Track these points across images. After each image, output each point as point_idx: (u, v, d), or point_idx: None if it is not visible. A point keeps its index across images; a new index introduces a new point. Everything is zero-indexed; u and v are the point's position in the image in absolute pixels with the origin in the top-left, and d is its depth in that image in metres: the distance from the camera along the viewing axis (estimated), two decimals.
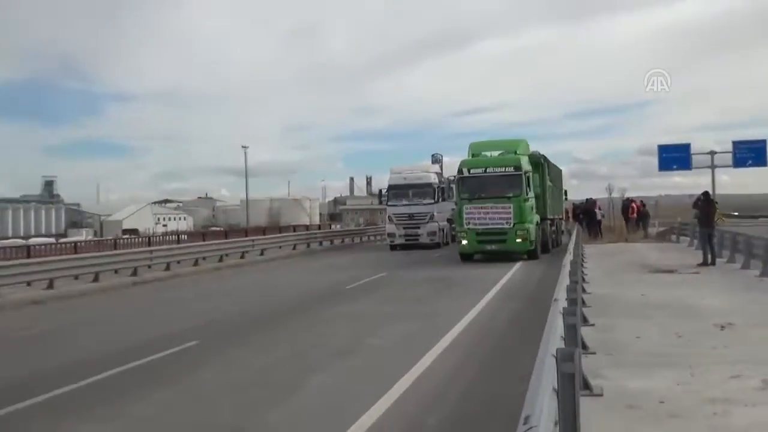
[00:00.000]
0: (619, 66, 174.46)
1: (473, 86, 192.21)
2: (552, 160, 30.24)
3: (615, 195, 43.12)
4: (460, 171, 24.53)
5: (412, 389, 7.66)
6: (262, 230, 40.11)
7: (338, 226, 67.48)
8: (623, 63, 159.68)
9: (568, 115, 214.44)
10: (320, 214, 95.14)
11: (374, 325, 11.66)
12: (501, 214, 23.50)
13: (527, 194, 23.75)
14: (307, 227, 50.78)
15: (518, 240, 23.51)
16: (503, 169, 23.84)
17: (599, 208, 36.81)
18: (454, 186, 26.23)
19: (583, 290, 12.88)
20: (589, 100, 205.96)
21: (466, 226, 23.86)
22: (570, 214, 38.24)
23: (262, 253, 30.48)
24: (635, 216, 35.43)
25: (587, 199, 37.98)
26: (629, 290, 14.06)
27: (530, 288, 16.34)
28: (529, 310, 12.67)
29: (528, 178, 24.00)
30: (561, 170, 34.82)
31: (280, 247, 33.41)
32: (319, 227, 54.19)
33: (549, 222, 27.55)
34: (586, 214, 35.84)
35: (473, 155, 25.69)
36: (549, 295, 10.18)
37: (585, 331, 8.97)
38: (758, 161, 33.71)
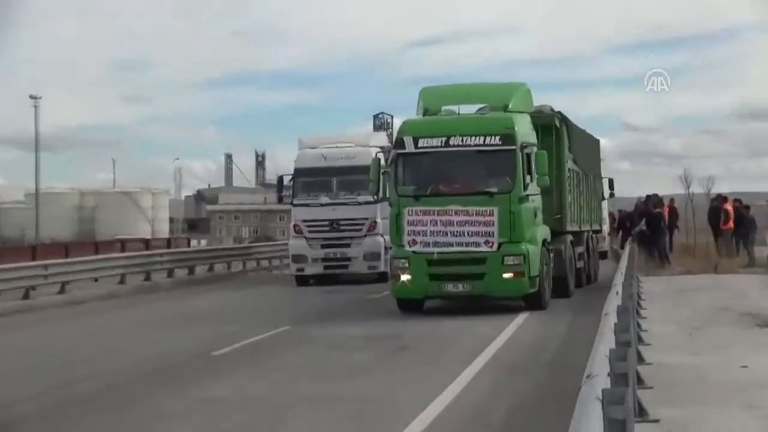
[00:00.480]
0: None
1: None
2: (580, 125, 30.58)
3: (697, 190, 43.76)
4: (398, 143, 23.79)
5: None
6: (64, 248, 39.51)
7: (203, 242, 67.07)
8: None
9: (613, 49, 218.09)
10: (171, 220, 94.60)
11: (261, 427, 11.49)
12: (475, 227, 22.51)
13: (526, 188, 23.04)
14: (147, 243, 50.36)
15: (507, 275, 22.66)
16: (481, 140, 22.94)
17: (673, 213, 37.31)
18: (388, 171, 24.50)
19: (640, 359, 12.96)
20: (650, 26, 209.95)
21: (408, 247, 23.01)
22: (616, 223, 38.67)
23: (62, 290, 30.33)
24: (731, 227, 35.86)
25: (647, 197, 38.32)
26: (720, 359, 14.21)
27: (547, 355, 16.37)
28: (547, 399, 12.73)
29: (529, 156, 23.22)
30: (598, 142, 35.87)
31: (97, 279, 33.05)
32: (169, 244, 53.74)
33: (572, 239, 27.39)
34: (644, 223, 36.09)
35: (426, 112, 24.90)
36: (580, 369, 10.20)
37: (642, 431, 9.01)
38: None
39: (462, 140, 23.04)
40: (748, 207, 36.87)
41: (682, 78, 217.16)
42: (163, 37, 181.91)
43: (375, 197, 29.21)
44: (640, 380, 11.35)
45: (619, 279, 18.80)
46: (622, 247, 36.45)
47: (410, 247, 22.92)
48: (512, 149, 22.77)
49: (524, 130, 23.67)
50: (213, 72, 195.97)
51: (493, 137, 22.85)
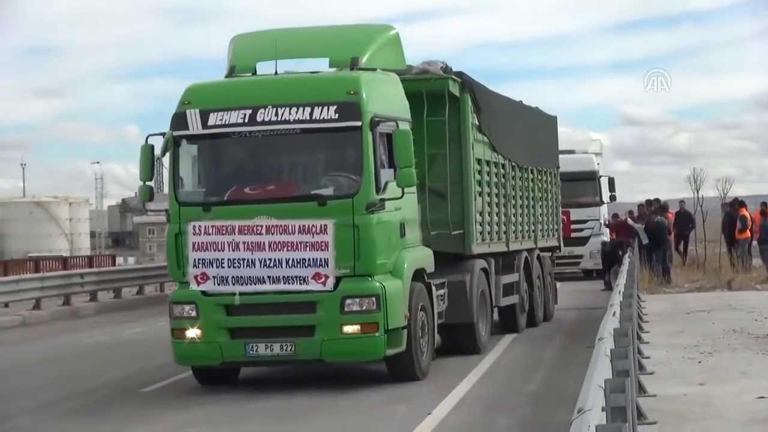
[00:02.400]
0: None
1: None
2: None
3: (709, 193, 43.91)
4: (177, 121, 17.31)
5: None
6: None
7: (131, 260, 66.85)
8: None
9: (610, 27, 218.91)
10: (93, 234, 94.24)
11: None
12: (299, 252, 16.34)
13: (382, 189, 16.51)
14: (65, 262, 50.02)
15: (349, 329, 16.41)
16: (306, 114, 16.52)
17: (685, 218, 37.46)
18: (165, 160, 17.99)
19: (641, 390, 13.01)
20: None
21: (195, 286, 16.97)
22: (612, 231, 38.72)
23: None
24: (748, 236, 35.88)
25: (647, 202, 38.55)
26: (734, 389, 14.17)
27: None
28: None
29: (389, 139, 16.90)
30: (553, 120, 27.98)
31: (7, 305, 32.92)
32: (91, 262, 53.45)
33: (484, 266, 20.79)
34: (647, 231, 36.05)
35: (233, 71, 18.64)
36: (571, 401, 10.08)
37: None
38: None
39: (277, 114, 16.54)
40: (765, 212, 36.33)
41: (690, 60, 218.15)
42: (83, 9, 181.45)
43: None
44: (641, 415, 11.32)
45: (617, 299, 18.70)
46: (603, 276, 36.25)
47: (198, 285, 16.82)
48: (356, 127, 16.34)
49: (381, 99, 17.16)
50: (137, 59, 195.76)
51: (326, 109, 16.46)
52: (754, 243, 36.10)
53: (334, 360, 16.56)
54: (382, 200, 16.24)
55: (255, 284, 16.34)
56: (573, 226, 36.56)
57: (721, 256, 37.45)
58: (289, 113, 16.41)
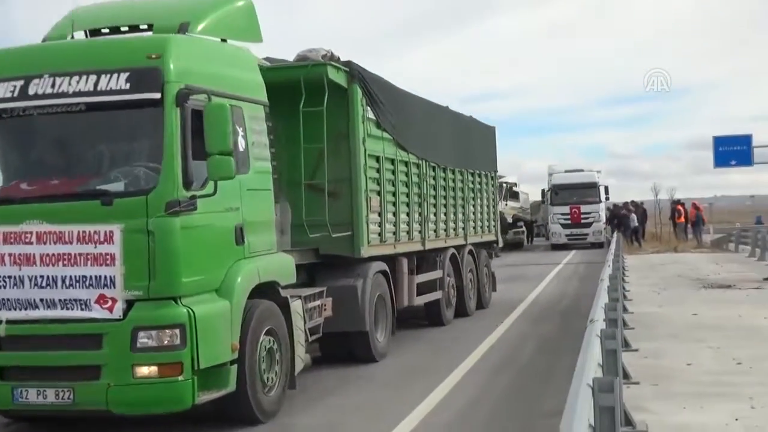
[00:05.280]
0: (663, 43, 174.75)
1: (486, 68, 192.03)
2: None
3: (663, 197, 43.37)
4: None
5: None
6: None
7: None
8: (669, 39, 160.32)
9: (600, 101, 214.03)
10: None
11: None
12: (78, 267, 7.38)
13: (191, 181, 7.53)
14: None
15: (142, 370, 7.25)
16: (91, 84, 7.56)
17: (642, 213, 37.11)
18: None
19: (625, 309, 12.82)
20: (627, 83, 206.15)
21: None
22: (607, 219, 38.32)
23: None
24: (683, 220, 35.76)
25: (624, 203, 38.52)
26: (679, 309, 14.04)
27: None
28: (564, 335, 12.57)
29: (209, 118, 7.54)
30: (491, 129, 18.51)
31: None
32: None
33: (383, 268, 11.71)
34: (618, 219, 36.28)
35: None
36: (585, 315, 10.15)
37: (627, 358, 9.01)
38: None
39: (54, 85, 7.47)
40: (697, 207, 36.67)
41: (651, 120, 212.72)
42: None
43: None
44: (625, 323, 11.33)
45: (610, 257, 18.63)
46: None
47: None
48: (154, 100, 7.40)
49: (204, 69, 7.90)
50: None
51: (116, 77, 7.40)
52: (689, 226, 36.05)
53: (126, 412, 7.33)
54: (193, 198, 7.40)
55: (25, 309, 7.36)
56: (582, 216, 36.48)
57: (669, 234, 37.22)
58: (69, 84, 7.45)
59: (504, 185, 38.96)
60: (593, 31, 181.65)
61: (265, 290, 8.26)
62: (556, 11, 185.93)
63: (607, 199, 38.53)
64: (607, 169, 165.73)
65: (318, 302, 9.77)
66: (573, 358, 7.00)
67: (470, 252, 15.58)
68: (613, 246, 23.84)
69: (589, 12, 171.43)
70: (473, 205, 16.08)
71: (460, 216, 15.06)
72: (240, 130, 8.02)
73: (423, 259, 13.29)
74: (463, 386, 9.38)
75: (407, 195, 12.53)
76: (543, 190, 40.21)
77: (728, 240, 33.40)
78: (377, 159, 11.46)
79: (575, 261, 29.26)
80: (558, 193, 37.11)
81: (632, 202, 38.06)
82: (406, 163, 12.53)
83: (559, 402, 5.33)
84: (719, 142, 34.79)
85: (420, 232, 12.94)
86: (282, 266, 8.82)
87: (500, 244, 18.61)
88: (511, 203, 39.60)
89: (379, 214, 11.44)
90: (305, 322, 9.03)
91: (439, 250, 13.95)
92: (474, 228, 16.06)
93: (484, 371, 10.24)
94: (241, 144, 8.05)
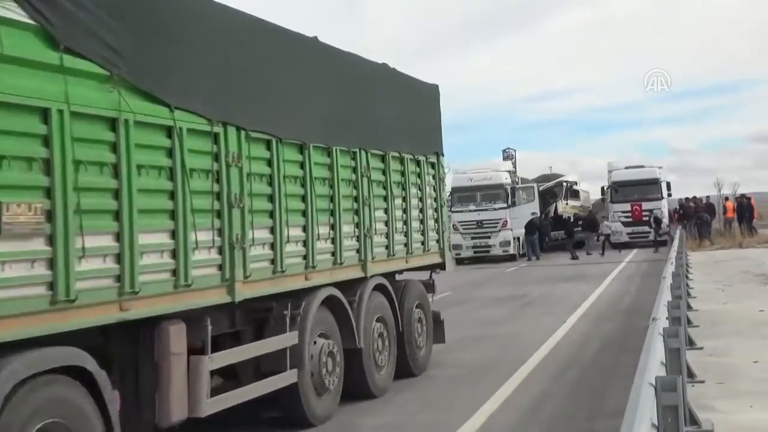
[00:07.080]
0: (724, 36, 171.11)
1: (548, 67, 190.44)
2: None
3: (727, 192, 42.50)
4: None
5: None
6: None
7: None
8: (731, 33, 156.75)
9: (658, 97, 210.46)
10: None
11: None
12: None
13: None
14: None
15: None
16: None
17: (707, 209, 36.54)
18: None
19: (689, 307, 12.73)
20: (686, 78, 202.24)
21: None
22: (675, 215, 37.63)
23: None
24: (733, 215, 35.40)
25: (686, 199, 37.86)
26: (744, 305, 13.87)
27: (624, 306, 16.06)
28: (627, 334, 12.48)
29: None
30: (432, 88, 11.43)
31: None
32: None
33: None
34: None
35: None
36: (647, 314, 10.08)
37: (691, 356, 8.93)
38: None
39: None
40: (749, 199, 36.42)
41: (712, 115, 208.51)
42: None
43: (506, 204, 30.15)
44: (689, 321, 11.23)
45: (674, 254, 18.37)
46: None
47: None
48: None
49: None
50: None
51: None
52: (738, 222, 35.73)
53: None
54: None
55: None
56: (643, 213, 35.52)
57: (735, 229, 36.39)
58: None
59: (564, 184, 38.51)
60: (652, 26, 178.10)
61: None
62: (613, 7, 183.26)
63: (669, 195, 37.80)
64: (668, 165, 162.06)
65: None
66: (636, 357, 6.97)
67: (380, 288, 9.37)
68: (676, 243, 23.46)
69: (647, 5, 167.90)
70: (387, 210, 9.53)
71: (349, 230, 8.70)
72: None
73: (235, 318, 7.28)
74: (527, 385, 9.37)
75: (170, 195, 5.99)
76: (602, 188, 39.48)
77: None
78: (93, 120, 5.25)
79: (638, 260, 28.85)
80: (618, 190, 36.31)
81: (693, 198, 37.37)
82: (169, 129, 5.97)
83: (622, 401, 5.32)
84: None
85: (221, 266, 6.60)
86: None
87: (448, 268, 11.44)
88: (571, 202, 39.10)
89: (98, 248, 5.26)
90: None
91: (292, 295, 7.69)
92: (388, 248, 9.56)
93: (551, 367, 10.23)
94: None
